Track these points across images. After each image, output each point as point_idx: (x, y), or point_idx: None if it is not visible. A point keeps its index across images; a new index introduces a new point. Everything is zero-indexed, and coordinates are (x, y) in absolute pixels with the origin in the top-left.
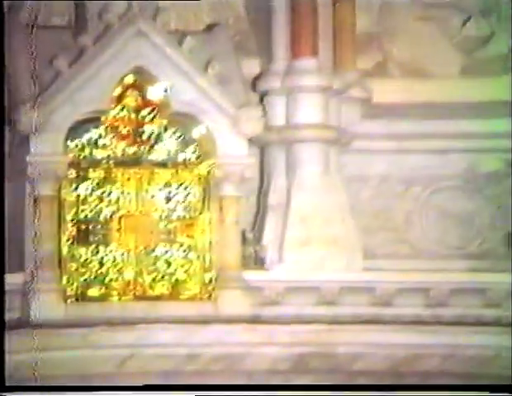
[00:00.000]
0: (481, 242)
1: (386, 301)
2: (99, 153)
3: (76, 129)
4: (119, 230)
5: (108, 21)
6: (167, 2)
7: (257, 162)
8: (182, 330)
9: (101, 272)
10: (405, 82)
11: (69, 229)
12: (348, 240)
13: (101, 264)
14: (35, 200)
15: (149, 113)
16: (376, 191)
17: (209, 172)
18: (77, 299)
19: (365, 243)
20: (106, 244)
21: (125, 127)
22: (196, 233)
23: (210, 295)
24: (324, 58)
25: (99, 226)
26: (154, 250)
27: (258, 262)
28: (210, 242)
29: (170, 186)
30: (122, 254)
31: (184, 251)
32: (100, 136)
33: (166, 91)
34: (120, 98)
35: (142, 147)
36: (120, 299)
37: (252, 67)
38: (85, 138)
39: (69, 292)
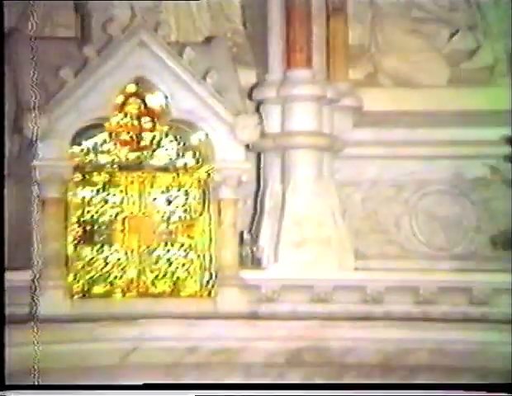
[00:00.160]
0: (467, 244)
1: (376, 299)
2: (103, 158)
3: (81, 135)
4: (122, 231)
5: (112, 33)
6: (167, 16)
7: (253, 167)
8: (183, 325)
9: (106, 270)
10: (394, 92)
11: (75, 230)
12: (341, 241)
13: (106, 263)
14: (42, 202)
15: (151, 120)
16: (367, 195)
17: (208, 176)
18: (83, 296)
19: (356, 244)
20: (111, 244)
21: (127, 133)
22: (195, 234)
23: (209, 293)
24: (317, 68)
25: (103, 227)
26: (155, 250)
27: (255, 262)
28: (210, 243)
29: (171, 189)
30: (126, 253)
31: (184, 250)
32: (104, 142)
33: (166, 99)
34: (122, 106)
35: (144, 152)
36: (123, 296)
37: (249, 77)
38: (89, 143)
39: (75, 289)
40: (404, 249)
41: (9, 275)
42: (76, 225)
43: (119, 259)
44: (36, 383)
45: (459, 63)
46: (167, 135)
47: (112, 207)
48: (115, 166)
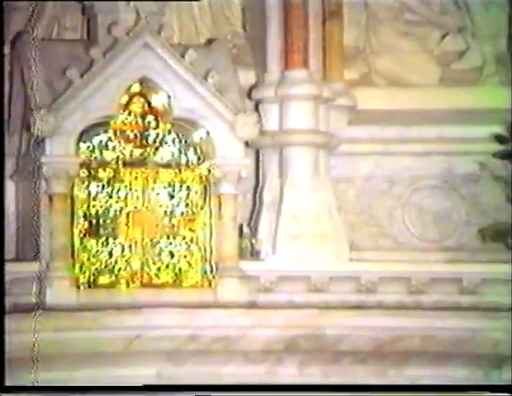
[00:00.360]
0: (458, 237)
1: (370, 289)
2: (108, 155)
3: (87, 133)
4: (127, 224)
5: (117, 35)
6: (170, 19)
7: (252, 163)
8: (184, 314)
9: (111, 262)
10: (388, 92)
11: (81, 223)
12: (336, 234)
13: (111, 255)
14: (49, 197)
15: (154, 119)
16: (361, 191)
17: (209, 172)
18: (88, 286)
19: (351, 237)
20: (115, 237)
21: (132, 131)
22: (197, 228)
23: (210, 283)
24: (314, 69)
25: (109, 220)
26: (158, 242)
27: (254, 254)
28: (210, 236)
29: (173, 184)
30: (130, 246)
31: (186, 243)
32: (109, 139)
33: (169, 98)
34: (127, 105)
35: (148, 149)
36: (127, 287)
37: (248, 77)
38: (95, 141)
39: (81, 280)
40: (397, 241)
41: (18, 267)
42: (82, 219)
43: (123, 251)
44: (37, 366)
45: (450, 64)
46: (169, 133)
47: (117, 202)
48: (119, 162)
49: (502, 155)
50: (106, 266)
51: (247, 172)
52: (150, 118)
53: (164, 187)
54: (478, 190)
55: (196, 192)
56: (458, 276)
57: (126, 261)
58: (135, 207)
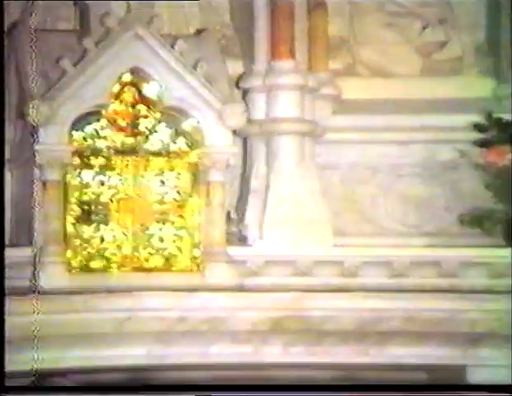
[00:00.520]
0: (437, 222)
1: (353, 272)
2: (100, 143)
3: (80, 122)
4: (118, 211)
5: (109, 26)
6: (161, 10)
7: (240, 151)
8: (174, 297)
9: (102, 247)
10: (371, 81)
11: (74, 210)
12: (320, 220)
13: (102, 240)
14: (43, 184)
15: (145, 108)
16: (345, 177)
17: (198, 160)
18: (81, 270)
19: (335, 223)
20: (107, 223)
21: (123, 120)
22: (186, 214)
23: (198, 267)
24: (300, 59)
25: (100, 207)
26: (148, 228)
27: (241, 239)
28: (199, 222)
29: (163, 172)
30: (121, 232)
31: (176, 229)
32: (101, 128)
33: (160, 88)
34: (118, 94)
35: (138, 137)
36: (119, 271)
37: (236, 67)
38: (88, 129)
39: (74, 264)
40: (378, 227)
41: (12, 252)
42: (75, 206)
43: (114, 237)
44: (34, 347)
45: (431, 55)
46: (160, 122)
47: (109, 189)
48: (111, 150)
49: (481, 143)
50: (98, 251)
51: (235, 159)
52: (141, 107)
53: (155, 175)
54: (458, 178)
55: (186, 180)
56: (438, 260)
57: (117, 246)
58: (127, 194)
